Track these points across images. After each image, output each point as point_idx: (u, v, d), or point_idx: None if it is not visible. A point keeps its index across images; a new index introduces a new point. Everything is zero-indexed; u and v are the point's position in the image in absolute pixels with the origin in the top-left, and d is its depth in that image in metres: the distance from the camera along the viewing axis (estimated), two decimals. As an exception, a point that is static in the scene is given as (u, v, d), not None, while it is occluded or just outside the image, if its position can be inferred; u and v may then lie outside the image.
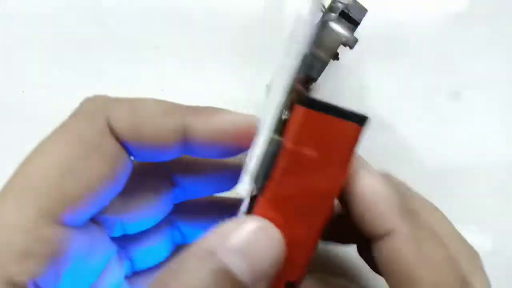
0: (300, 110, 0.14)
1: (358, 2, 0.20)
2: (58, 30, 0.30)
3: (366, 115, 0.14)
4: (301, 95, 0.15)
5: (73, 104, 0.29)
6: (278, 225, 0.15)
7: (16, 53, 0.30)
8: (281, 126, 0.15)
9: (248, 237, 0.14)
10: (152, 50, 0.31)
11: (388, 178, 0.16)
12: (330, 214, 0.15)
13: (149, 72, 0.31)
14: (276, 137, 0.15)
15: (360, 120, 0.14)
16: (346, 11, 0.20)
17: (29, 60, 0.30)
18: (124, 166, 0.17)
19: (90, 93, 0.30)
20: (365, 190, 0.15)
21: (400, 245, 0.15)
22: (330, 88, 0.30)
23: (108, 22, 0.31)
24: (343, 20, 0.20)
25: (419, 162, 0.33)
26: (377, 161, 0.32)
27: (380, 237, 0.16)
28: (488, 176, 0.32)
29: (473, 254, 0.19)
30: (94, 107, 0.17)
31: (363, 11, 0.20)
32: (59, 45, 0.30)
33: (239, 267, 0.13)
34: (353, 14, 0.20)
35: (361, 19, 0.20)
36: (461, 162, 0.33)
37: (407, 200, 0.16)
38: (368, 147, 0.31)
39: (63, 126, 0.17)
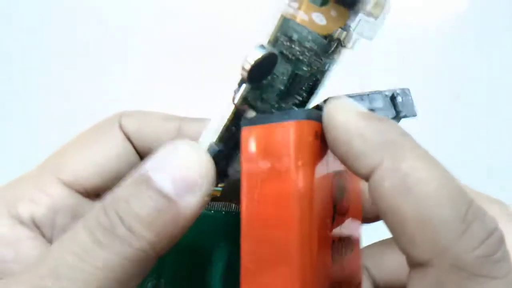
0: (242, 130, 0.15)
1: (412, 101, 0.19)
2: (58, 30, 0.29)
3: (304, 110, 0.15)
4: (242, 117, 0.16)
5: (73, 104, 0.29)
6: (266, 238, 0.14)
7: (16, 53, 0.29)
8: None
9: (168, 151, 0.15)
10: (153, 51, 0.31)
11: (366, 113, 0.15)
12: (315, 217, 0.15)
13: (149, 73, 0.30)
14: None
15: (295, 116, 0.14)
16: (396, 95, 0.19)
17: (29, 60, 0.29)
18: (129, 155, 0.21)
19: (90, 93, 0.30)
20: (339, 130, 0.14)
21: (380, 179, 0.13)
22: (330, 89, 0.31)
23: (109, 23, 0.30)
24: (390, 102, 0.19)
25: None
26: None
27: (367, 178, 0.14)
28: (488, 176, 0.33)
29: (497, 201, 0.17)
30: (115, 114, 0.22)
31: (412, 111, 0.20)
32: (59, 45, 0.29)
33: (158, 175, 0.15)
34: (401, 106, 0.19)
35: (403, 115, 0.19)
36: (461, 161, 0.32)
37: (389, 132, 0.14)
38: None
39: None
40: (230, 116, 0.16)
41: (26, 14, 0.30)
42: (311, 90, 0.20)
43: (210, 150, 0.16)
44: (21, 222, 0.19)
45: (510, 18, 0.34)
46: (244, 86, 0.16)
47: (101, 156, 0.20)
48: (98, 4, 0.30)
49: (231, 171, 0.18)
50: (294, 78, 0.18)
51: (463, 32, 0.34)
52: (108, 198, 0.15)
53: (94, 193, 0.21)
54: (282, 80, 0.17)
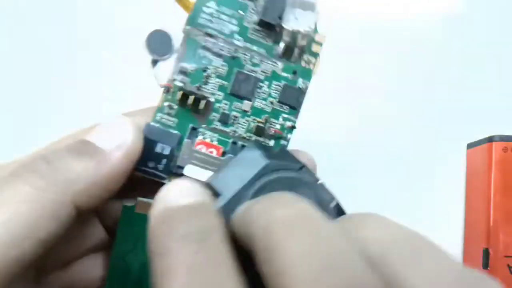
0: None
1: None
2: (58, 30, 0.30)
3: None
4: None
5: (72, 104, 0.30)
6: None
7: (16, 53, 0.30)
8: None
9: (104, 122, 0.17)
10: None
11: None
12: None
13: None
14: None
15: None
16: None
17: (29, 61, 0.30)
18: None
19: (89, 93, 0.31)
20: None
21: None
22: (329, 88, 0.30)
23: (109, 23, 0.31)
24: None
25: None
26: (382, 161, 0.32)
27: None
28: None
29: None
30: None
31: None
32: (58, 45, 0.30)
33: (94, 136, 0.16)
34: None
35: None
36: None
37: None
38: (369, 146, 0.31)
39: None
40: (162, 96, 0.18)
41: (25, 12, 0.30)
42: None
43: (145, 127, 0.18)
44: None
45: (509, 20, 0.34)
46: (160, 64, 0.18)
47: None
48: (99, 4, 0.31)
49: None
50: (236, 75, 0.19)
51: (461, 33, 0.34)
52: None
53: None
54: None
